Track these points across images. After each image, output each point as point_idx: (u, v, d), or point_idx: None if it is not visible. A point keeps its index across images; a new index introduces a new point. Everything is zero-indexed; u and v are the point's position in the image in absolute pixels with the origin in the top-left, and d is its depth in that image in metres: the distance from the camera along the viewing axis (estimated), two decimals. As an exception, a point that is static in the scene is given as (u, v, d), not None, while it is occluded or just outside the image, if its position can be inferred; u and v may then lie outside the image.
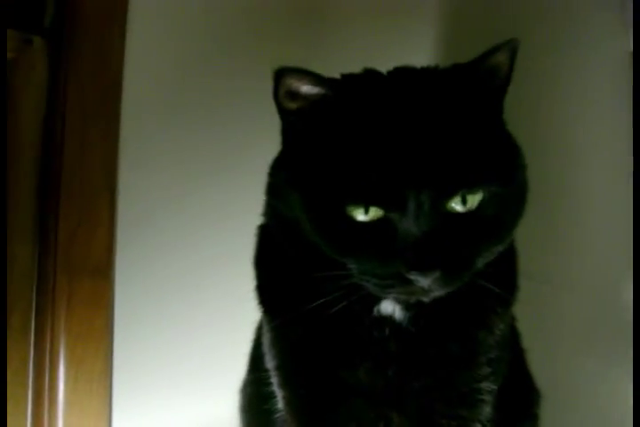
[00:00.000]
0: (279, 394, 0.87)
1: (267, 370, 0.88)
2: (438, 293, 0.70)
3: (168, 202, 1.41)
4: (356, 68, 0.80)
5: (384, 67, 0.80)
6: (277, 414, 0.87)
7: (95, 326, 1.41)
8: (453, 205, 0.68)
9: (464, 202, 0.69)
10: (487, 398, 0.81)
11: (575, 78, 1.25)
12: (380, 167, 0.67)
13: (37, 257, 1.42)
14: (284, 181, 0.76)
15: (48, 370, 1.39)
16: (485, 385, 0.80)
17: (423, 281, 0.66)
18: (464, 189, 0.68)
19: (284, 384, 0.86)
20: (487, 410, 0.81)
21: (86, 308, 1.41)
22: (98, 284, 1.42)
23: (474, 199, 0.69)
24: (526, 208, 0.77)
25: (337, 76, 0.78)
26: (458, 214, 0.69)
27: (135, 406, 1.42)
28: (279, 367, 0.85)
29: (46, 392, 1.39)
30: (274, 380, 0.87)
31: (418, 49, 1.39)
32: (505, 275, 0.81)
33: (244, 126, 1.47)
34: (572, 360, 1.13)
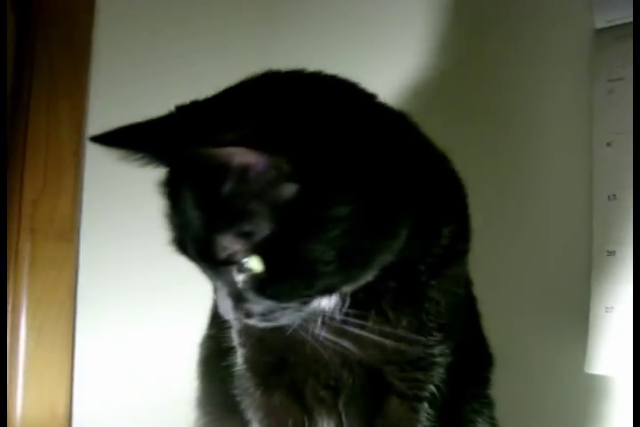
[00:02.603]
0: (239, 351, 0.88)
1: (226, 328, 0.89)
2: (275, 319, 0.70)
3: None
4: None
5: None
6: (235, 368, 0.88)
7: (58, 291, 1.41)
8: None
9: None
10: (440, 360, 0.82)
11: (536, 58, 1.26)
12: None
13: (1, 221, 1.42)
14: None
15: (9, 334, 1.38)
16: (438, 349, 0.82)
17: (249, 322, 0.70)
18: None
19: (244, 345, 0.87)
20: (440, 372, 0.83)
21: (49, 272, 1.40)
22: (61, 248, 1.41)
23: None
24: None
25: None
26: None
27: (97, 372, 1.42)
28: (240, 330, 0.86)
29: (8, 355, 1.38)
30: (234, 337, 0.88)
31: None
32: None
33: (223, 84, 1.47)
34: (525, 326, 1.16)
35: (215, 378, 0.94)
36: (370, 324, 0.76)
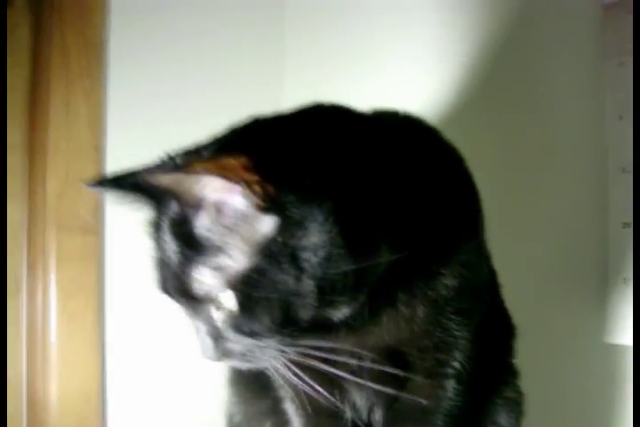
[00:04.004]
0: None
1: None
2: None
3: (155, 155, 1.43)
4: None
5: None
6: None
7: (85, 282, 1.45)
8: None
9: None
10: (462, 341, 0.84)
11: (547, 34, 1.27)
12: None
13: (27, 215, 1.45)
14: None
15: (40, 327, 1.43)
16: (459, 331, 0.82)
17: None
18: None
19: None
20: (463, 350, 0.85)
21: (76, 264, 1.44)
22: (87, 240, 1.45)
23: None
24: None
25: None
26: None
27: (126, 357, 1.46)
28: None
29: (40, 347, 1.42)
30: None
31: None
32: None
33: (233, 84, 1.50)
34: (545, 298, 1.18)
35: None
36: (384, 319, 0.76)
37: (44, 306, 1.43)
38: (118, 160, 1.43)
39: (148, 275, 1.42)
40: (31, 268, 1.44)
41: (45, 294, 1.43)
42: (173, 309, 1.44)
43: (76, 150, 1.45)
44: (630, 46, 1.16)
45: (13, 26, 1.46)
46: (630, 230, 1.15)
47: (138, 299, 1.46)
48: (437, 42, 1.36)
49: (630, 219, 1.15)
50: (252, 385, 0.95)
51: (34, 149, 1.45)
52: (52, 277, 1.42)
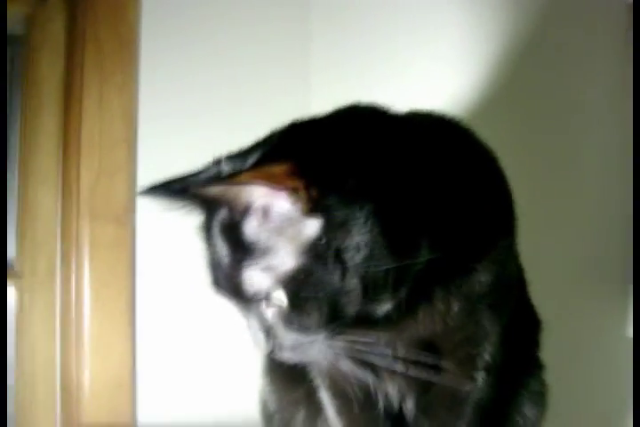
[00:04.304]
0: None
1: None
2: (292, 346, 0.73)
3: (185, 149, 1.46)
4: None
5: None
6: None
7: (118, 271, 1.49)
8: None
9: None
10: (492, 336, 0.87)
11: (575, 32, 1.29)
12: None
13: (61, 206, 1.50)
14: None
15: (74, 314, 1.47)
16: (490, 326, 0.86)
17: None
18: None
19: None
20: (493, 343, 0.88)
21: (109, 253, 1.48)
22: (119, 230, 1.48)
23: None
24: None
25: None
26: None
27: (157, 344, 1.50)
28: None
29: (73, 334, 1.46)
30: None
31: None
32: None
33: (261, 80, 1.53)
34: (571, 294, 1.21)
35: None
36: (420, 314, 0.79)
37: (78, 294, 1.47)
38: (149, 153, 1.49)
39: (178, 264, 1.47)
40: (65, 256, 1.48)
41: (79, 282, 1.47)
42: (203, 297, 1.49)
43: (108, 143, 1.48)
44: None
45: (47, 20, 1.50)
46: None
47: (168, 287, 1.50)
48: (463, 42, 1.38)
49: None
50: (288, 374, 0.99)
51: (68, 142, 1.48)
52: (86, 265, 1.46)
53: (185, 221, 1.45)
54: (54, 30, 1.50)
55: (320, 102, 1.39)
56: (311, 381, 0.93)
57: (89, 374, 1.46)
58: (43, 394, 1.48)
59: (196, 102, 1.51)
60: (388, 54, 1.47)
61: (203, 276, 1.47)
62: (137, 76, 1.50)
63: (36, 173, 1.49)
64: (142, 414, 1.49)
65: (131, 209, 1.49)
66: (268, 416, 1.03)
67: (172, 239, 1.49)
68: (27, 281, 1.48)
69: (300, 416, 0.98)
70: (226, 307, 1.44)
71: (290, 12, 1.64)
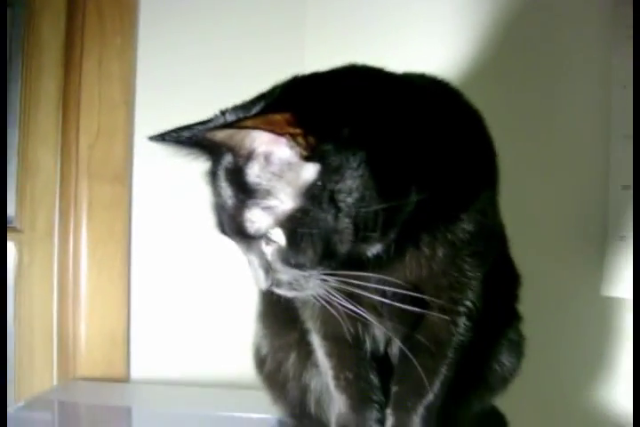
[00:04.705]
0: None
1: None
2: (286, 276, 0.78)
3: (182, 111, 1.49)
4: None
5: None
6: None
7: (114, 230, 1.54)
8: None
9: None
10: (474, 282, 0.94)
11: (562, 15, 1.34)
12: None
13: (60, 166, 1.54)
14: None
15: (72, 270, 1.53)
16: (472, 273, 0.91)
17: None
18: None
19: None
20: (474, 291, 0.94)
21: (106, 212, 1.53)
22: (116, 190, 1.53)
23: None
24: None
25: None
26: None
27: (152, 301, 1.56)
28: None
29: (70, 290, 1.52)
30: None
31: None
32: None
33: (264, 38, 1.58)
34: (547, 254, 1.28)
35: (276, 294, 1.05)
36: (408, 257, 0.85)
37: (75, 251, 1.52)
38: (146, 115, 1.53)
39: (173, 223, 1.52)
40: (63, 214, 1.53)
41: (76, 240, 1.52)
42: (195, 256, 1.54)
43: (107, 105, 1.53)
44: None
45: (50, -15, 1.53)
46: (629, 192, 1.24)
47: (163, 245, 1.56)
48: (454, 17, 1.44)
49: (629, 182, 1.24)
50: (280, 320, 1.04)
51: (68, 103, 1.53)
52: (84, 223, 1.52)
53: (179, 184, 1.51)
54: (56, -6, 1.54)
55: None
56: (302, 326, 0.99)
57: (85, 329, 1.52)
58: (40, 348, 1.53)
59: (192, 66, 1.55)
60: (382, 28, 1.52)
61: (196, 236, 1.54)
62: (136, 40, 1.54)
63: (36, 133, 1.53)
64: (135, 369, 1.56)
65: (128, 170, 1.54)
66: (260, 360, 1.08)
67: (168, 199, 1.55)
68: (26, 237, 1.52)
69: (292, 359, 1.04)
70: (217, 263, 1.50)
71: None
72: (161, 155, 1.50)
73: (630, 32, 1.25)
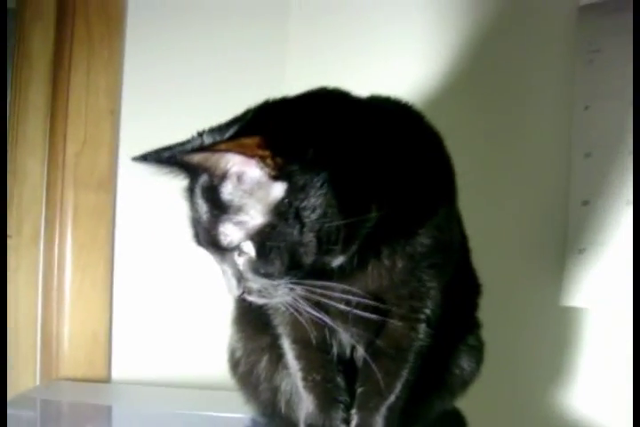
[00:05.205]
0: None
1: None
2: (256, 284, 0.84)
3: (166, 122, 1.56)
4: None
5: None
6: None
7: (98, 236, 1.59)
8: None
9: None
10: (433, 292, 1.00)
11: (526, 32, 1.41)
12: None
13: (47, 173, 1.59)
14: None
15: (56, 274, 1.58)
16: (431, 283, 0.95)
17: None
18: None
19: None
20: (434, 299, 1.00)
21: (91, 219, 1.59)
22: (101, 198, 1.59)
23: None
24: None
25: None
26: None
27: (133, 304, 1.62)
28: None
29: (55, 293, 1.57)
30: None
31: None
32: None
33: (247, 52, 1.64)
34: (508, 266, 1.35)
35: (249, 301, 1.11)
36: (370, 268, 0.92)
37: (60, 256, 1.57)
38: (132, 125, 1.59)
39: (155, 230, 1.57)
40: (49, 222, 1.58)
41: (61, 246, 1.57)
42: (175, 262, 1.59)
43: (93, 115, 1.58)
44: (599, 46, 1.32)
45: (39, -2, 1.59)
46: (587, 208, 1.31)
47: (144, 252, 1.61)
48: (427, 37, 1.51)
49: (588, 197, 1.31)
50: (253, 324, 1.10)
51: (55, 112, 1.58)
52: (69, 229, 1.57)
53: (162, 194, 1.56)
54: (46, 5, 1.59)
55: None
56: (274, 330, 1.05)
57: (68, 331, 1.57)
58: (24, 349, 1.58)
59: (177, 79, 1.61)
60: (357, 48, 1.59)
61: (176, 242, 1.58)
62: (123, 53, 1.60)
63: (24, 141, 1.58)
64: (116, 370, 1.61)
65: (112, 178, 1.59)
66: (234, 362, 1.14)
67: (151, 208, 1.60)
68: (12, 242, 1.56)
69: (264, 362, 1.10)
70: (197, 271, 1.56)
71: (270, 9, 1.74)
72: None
73: (592, 56, 1.33)
